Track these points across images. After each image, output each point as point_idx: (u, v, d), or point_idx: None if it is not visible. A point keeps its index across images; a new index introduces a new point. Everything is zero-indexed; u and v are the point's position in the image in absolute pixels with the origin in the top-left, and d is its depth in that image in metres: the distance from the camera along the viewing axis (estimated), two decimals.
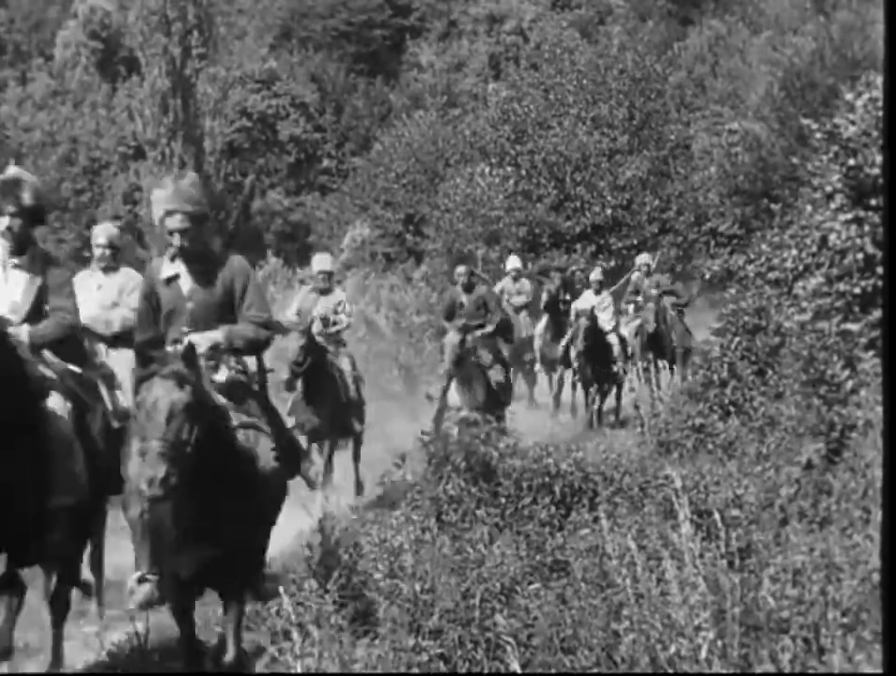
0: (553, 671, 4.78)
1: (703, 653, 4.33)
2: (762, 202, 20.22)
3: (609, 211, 21.04)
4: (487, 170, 22.05)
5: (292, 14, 38.16)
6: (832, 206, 8.40)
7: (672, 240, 21.66)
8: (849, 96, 8.80)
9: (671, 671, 4.39)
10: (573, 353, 14.18)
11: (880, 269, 7.63)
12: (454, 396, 10.86)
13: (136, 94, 31.52)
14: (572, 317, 14.44)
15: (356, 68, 36.93)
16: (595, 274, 15.45)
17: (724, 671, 4.32)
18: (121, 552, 6.74)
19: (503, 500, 6.60)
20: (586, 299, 14.74)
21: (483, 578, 5.28)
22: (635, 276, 16.36)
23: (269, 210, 33.69)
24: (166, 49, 29.86)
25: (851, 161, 8.31)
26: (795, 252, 9.22)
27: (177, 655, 5.68)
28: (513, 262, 16.14)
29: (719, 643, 4.36)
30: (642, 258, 16.70)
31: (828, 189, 8.47)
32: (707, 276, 20.46)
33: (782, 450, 7.28)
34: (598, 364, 13.81)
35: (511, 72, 24.68)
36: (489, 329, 11.32)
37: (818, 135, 8.82)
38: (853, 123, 8.45)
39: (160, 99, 29.86)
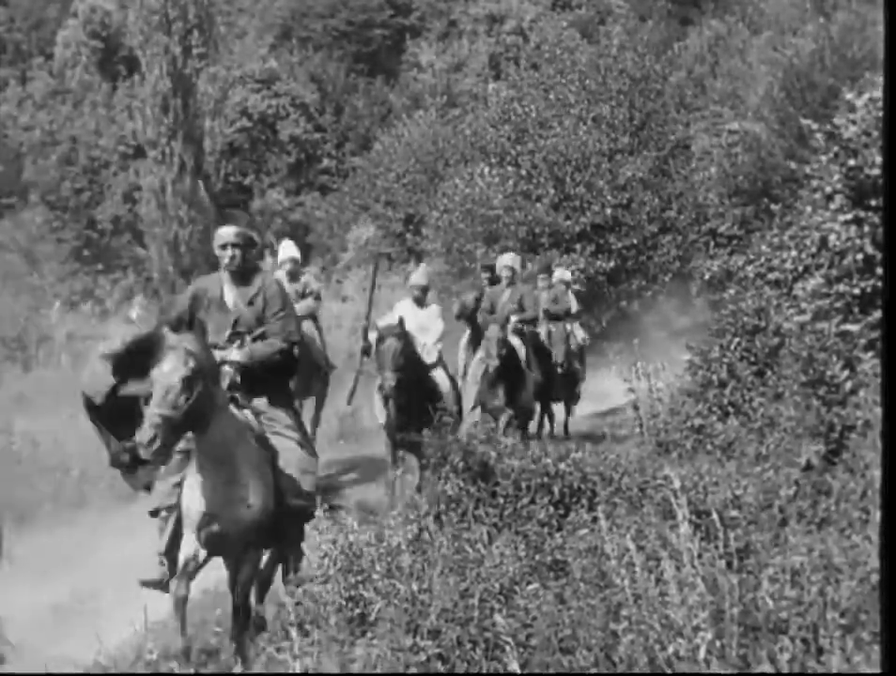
0: (552, 671, 4.78)
1: (702, 654, 4.33)
2: (762, 202, 20.22)
3: (608, 211, 21.01)
4: (487, 170, 22.02)
5: (292, 14, 38.15)
6: (832, 206, 8.41)
7: (671, 240, 21.65)
8: (849, 96, 8.80)
9: (669, 671, 4.39)
10: (377, 393, 9.50)
11: (880, 270, 7.64)
12: (193, 503, 5.61)
13: (136, 94, 31.51)
14: (371, 337, 9.60)
15: (356, 68, 36.93)
16: (417, 276, 10.28)
17: (723, 672, 4.32)
18: None
19: (502, 500, 6.59)
20: (400, 312, 9.70)
21: (481, 578, 5.28)
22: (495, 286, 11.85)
23: (269, 210, 33.68)
24: (167, 48, 29.84)
25: (851, 162, 8.32)
26: (794, 252, 9.23)
27: (178, 656, 5.69)
28: (288, 249, 10.90)
29: (718, 643, 4.36)
30: (504, 260, 11.97)
31: (828, 189, 8.48)
32: (707, 276, 20.50)
33: (781, 450, 7.27)
34: (414, 412, 8.82)
35: (511, 72, 24.62)
36: (238, 356, 5.96)
37: (818, 135, 8.82)
38: (853, 123, 8.45)
39: (160, 98, 29.83)
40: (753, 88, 25.96)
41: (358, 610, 5.26)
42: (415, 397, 9.06)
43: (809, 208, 9.18)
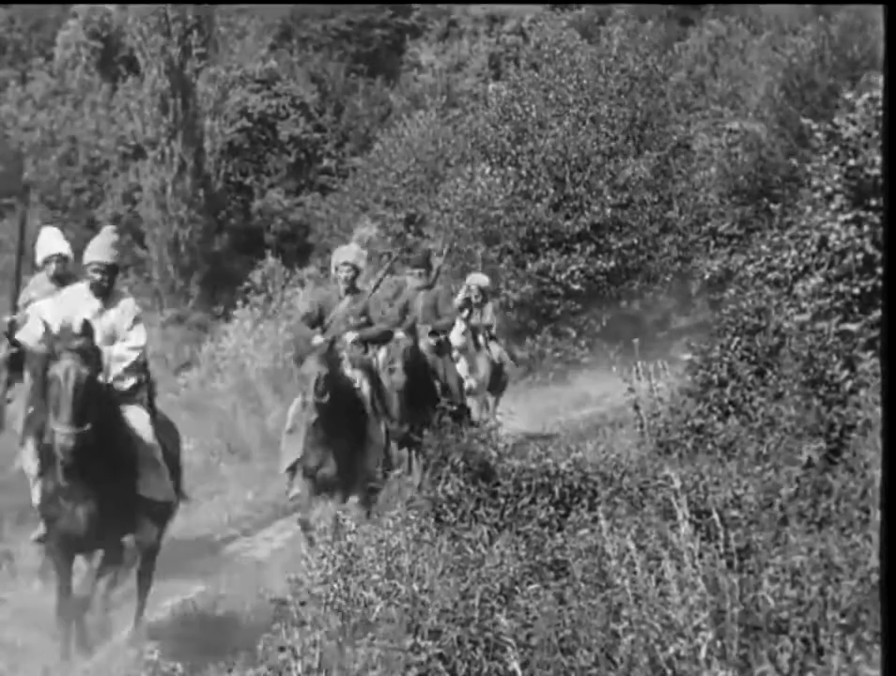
0: (552, 672, 4.78)
1: (703, 654, 4.33)
2: (762, 202, 20.23)
3: (608, 211, 21.01)
4: (488, 170, 22.02)
5: (292, 14, 38.19)
6: (832, 206, 8.41)
7: (672, 240, 21.65)
8: (849, 96, 8.81)
9: (669, 672, 4.39)
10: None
11: (880, 270, 7.64)
12: None
13: (136, 94, 31.54)
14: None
15: (356, 68, 36.96)
16: (98, 248, 6.72)
17: (723, 672, 4.32)
18: None
19: (502, 500, 6.59)
20: (73, 307, 6.32)
21: (482, 578, 5.28)
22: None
23: (269, 210, 33.70)
24: (164, 48, 29.87)
25: (851, 162, 8.32)
26: (794, 252, 9.22)
27: (178, 656, 5.69)
28: (51, 243, 7.76)
29: (719, 644, 4.36)
30: (343, 254, 8.57)
31: (828, 189, 8.48)
32: (707, 276, 20.53)
33: (782, 450, 7.26)
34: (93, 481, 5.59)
35: (511, 72, 24.65)
36: None
37: (818, 135, 8.82)
38: (853, 123, 8.46)
39: (159, 98, 29.87)
40: (753, 88, 26.01)
41: (358, 610, 5.25)
42: (97, 457, 5.45)
43: (809, 208, 9.18)
